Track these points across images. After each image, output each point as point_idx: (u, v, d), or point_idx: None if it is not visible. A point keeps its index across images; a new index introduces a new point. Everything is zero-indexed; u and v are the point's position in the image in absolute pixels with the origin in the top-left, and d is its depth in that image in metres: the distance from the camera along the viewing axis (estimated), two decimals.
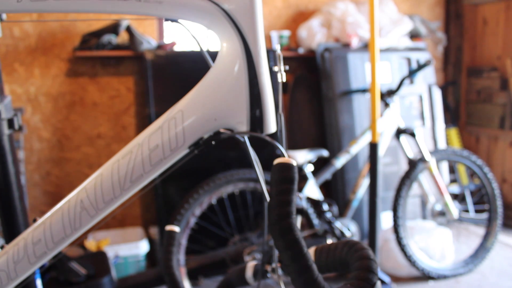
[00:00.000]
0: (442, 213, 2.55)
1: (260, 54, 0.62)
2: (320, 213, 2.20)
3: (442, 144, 3.16)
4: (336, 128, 2.86)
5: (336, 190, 2.88)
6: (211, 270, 2.29)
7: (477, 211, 3.10)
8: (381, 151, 2.43)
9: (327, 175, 2.47)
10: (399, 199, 2.43)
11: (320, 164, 2.59)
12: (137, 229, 2.77)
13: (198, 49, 2.22)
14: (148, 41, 2.63)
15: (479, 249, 2.59)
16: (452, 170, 3.31)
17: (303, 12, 3.15)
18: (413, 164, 2.45)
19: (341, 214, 2.62)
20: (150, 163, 0.66)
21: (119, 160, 0.67)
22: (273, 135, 0.64)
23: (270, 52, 2.74)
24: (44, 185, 2.72)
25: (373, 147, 2.00)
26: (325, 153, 2.37)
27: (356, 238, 2.60)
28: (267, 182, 1.99)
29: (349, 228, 2.42)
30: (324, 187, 2.88)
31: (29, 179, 2.68)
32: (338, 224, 2.20)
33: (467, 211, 3.12)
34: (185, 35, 2.89)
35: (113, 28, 2.57)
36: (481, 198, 2.91)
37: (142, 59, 2.63)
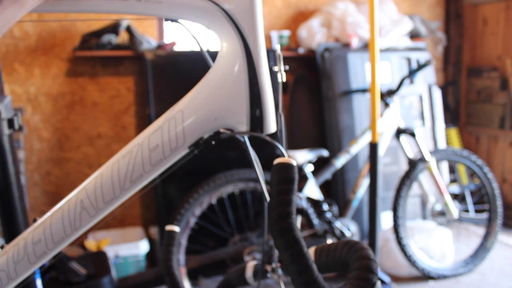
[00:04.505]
0: (442, 213, 2.55)
1: (260, 54, 0.62)
2: (320, 213, 2.20)
3: (442, 144, 3.16)
4: (336, 128, 2.86)
5: (336, 190, 2.88)
6: (211, 270, 2.29)
7: (477, 211, 3.10)
8: (381, 151, 2.43)
9: (327, 175, 2.47)
10: (399, 199, 2.43)
11: (320, 164, 2.59)
12: (137, 229, 2.77)
13: (198, 49, 2.22)
14: (148, 41, 2.62)
15: (479, 249, 2.59)
16: (452, 170, 3.31)
17: (303, 12, 3.15)
18: (413, 164, 2.45)
19: (341, 214, 2.62)
20: (150, 163, 0.66)
21: (119, 160, 0.67)
22: (273, 135, 0.64)
23: (270, 52, 2.74)
24: (44, 185, 2.72)
25: (373, 147, 2.00)
26: (325, 153, 2.37)
27: (356, 238, 2.60)
28: (267, 182, 1.99)
29: (349, 228, 2.42)
30: (324, 187, 2.88)
31: (29, 179, 2.68)
32: (338, 224, 2.20)
33: (467, 211, 3.11)
34: (185, 35, 2.89)
35: (113, 28, 2.57)
36: (481, 198, 2.91)
37: (142, 59, 2.63)
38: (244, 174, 2.19)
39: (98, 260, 1.95)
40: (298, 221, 2.11)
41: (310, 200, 2.25)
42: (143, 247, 2.50)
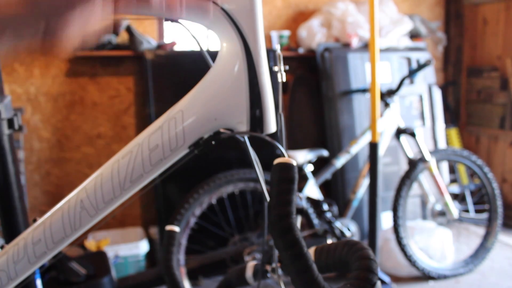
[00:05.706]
0: (442, 213, 2.55)
1: (260, 54, 0.62)
2: (320, 213, 2.20)
3: (442, 144, 3.16)
4: (336, 128, 2.86)
5: (336, 190, 2.88)
6: (211, 270, 2.28)
7: (477, 211, 3.10)
8: (381, 151, 2.43)
9: (327, 175, 2.47)
10: (399, 199, 2.43)
11: (320, 164, 2.59)
12: (137, 229, 2.77)
13: (198, 49, 2.22)
14: (148, 41, 2.62)
15: (479, 249, 2.59)
16: (452, 170, 3.31)
17: (303, 12, 3.15)
18: (413, 164, 2.45)
19: (341, 214, 2.62)
20: (150, 163, 0.65)
21: (119, 160, 0.67)
22: (273, 135, 0.64)
23: (270, 52, 2.74)
24: (44, 185, 2.72)
25: (373, 147, 2.00)
26: (325, 153, 2.37)
27: (356, 238, 2.60)
28: (267, 182, 1.99)
29: (349, 228, 2.42)
30: (324, 187, 2.88)
31: (29, 179, 2.68)
32: (338, 224, 2.20)
33: (467, 211, 3.12)
34: (185, 35, 2.89)
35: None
36: (481, 198, 2.91)
37: (142, 59, 2.63)
38: (244, 174, 2.18)
39: (98, 260, 1.95)
40: (298, 221, 2.11)
41: (310, 200, 2.25)
42: (143, 247, 2.50)
